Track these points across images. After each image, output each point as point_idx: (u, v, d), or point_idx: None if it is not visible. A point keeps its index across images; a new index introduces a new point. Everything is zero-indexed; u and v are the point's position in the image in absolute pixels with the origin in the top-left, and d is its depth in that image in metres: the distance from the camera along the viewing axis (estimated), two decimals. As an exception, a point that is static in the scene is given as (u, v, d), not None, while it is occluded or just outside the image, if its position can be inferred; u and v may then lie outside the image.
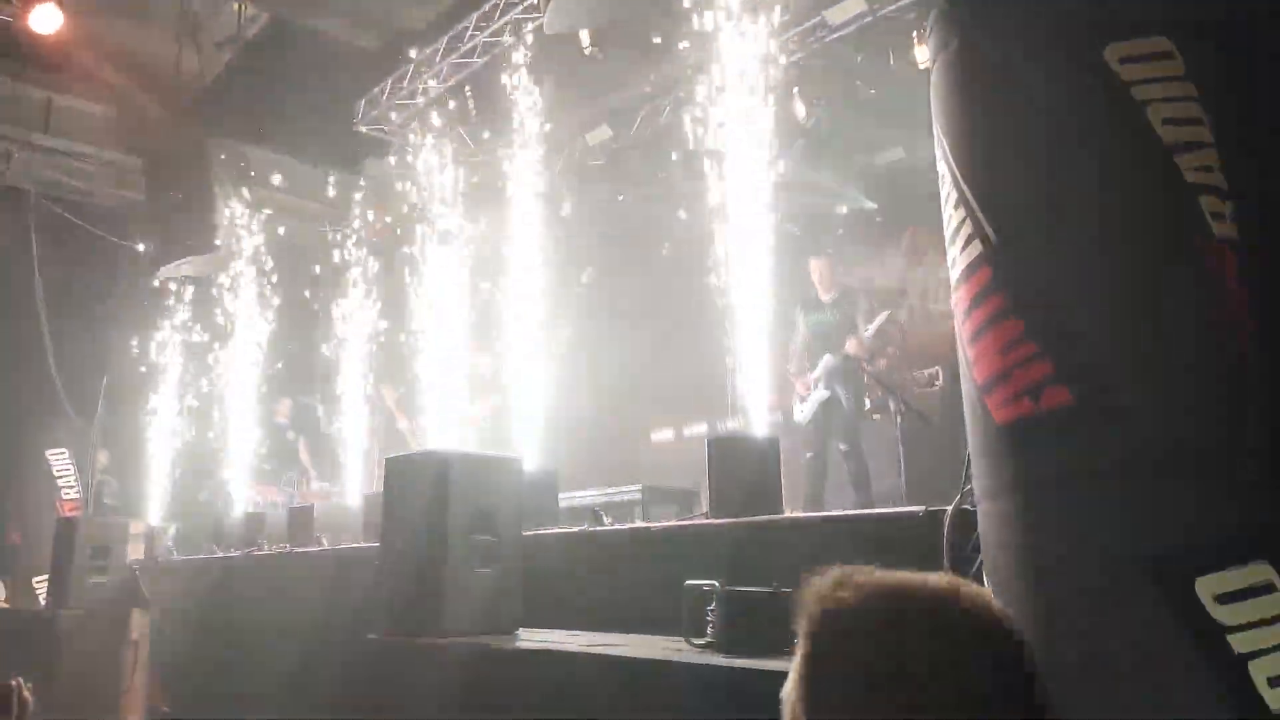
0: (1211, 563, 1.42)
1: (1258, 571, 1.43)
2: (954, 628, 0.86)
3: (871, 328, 6.58)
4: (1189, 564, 1.42)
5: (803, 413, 6.60)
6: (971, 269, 1.78)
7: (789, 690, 0.92)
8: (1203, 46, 1.67)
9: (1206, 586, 1.41)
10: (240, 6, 8.52)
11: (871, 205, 9.12)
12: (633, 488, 5.96)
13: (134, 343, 9.37)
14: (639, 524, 5.08)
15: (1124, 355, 1.58)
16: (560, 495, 5.26)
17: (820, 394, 6.50)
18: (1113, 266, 1.63)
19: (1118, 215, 1.64)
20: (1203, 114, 1.65)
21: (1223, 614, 1.40)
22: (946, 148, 1.89)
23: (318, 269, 9.15)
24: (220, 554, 6.77)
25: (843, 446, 6.40)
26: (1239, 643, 1.38)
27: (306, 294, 9.24)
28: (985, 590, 0.91)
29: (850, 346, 6.54)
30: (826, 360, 6.54)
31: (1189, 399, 1.55)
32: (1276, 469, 1.57)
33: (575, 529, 4.31)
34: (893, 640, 0.85)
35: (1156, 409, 1.54)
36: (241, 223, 8.91)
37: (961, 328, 1.83)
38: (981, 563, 1.77)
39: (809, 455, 6.41)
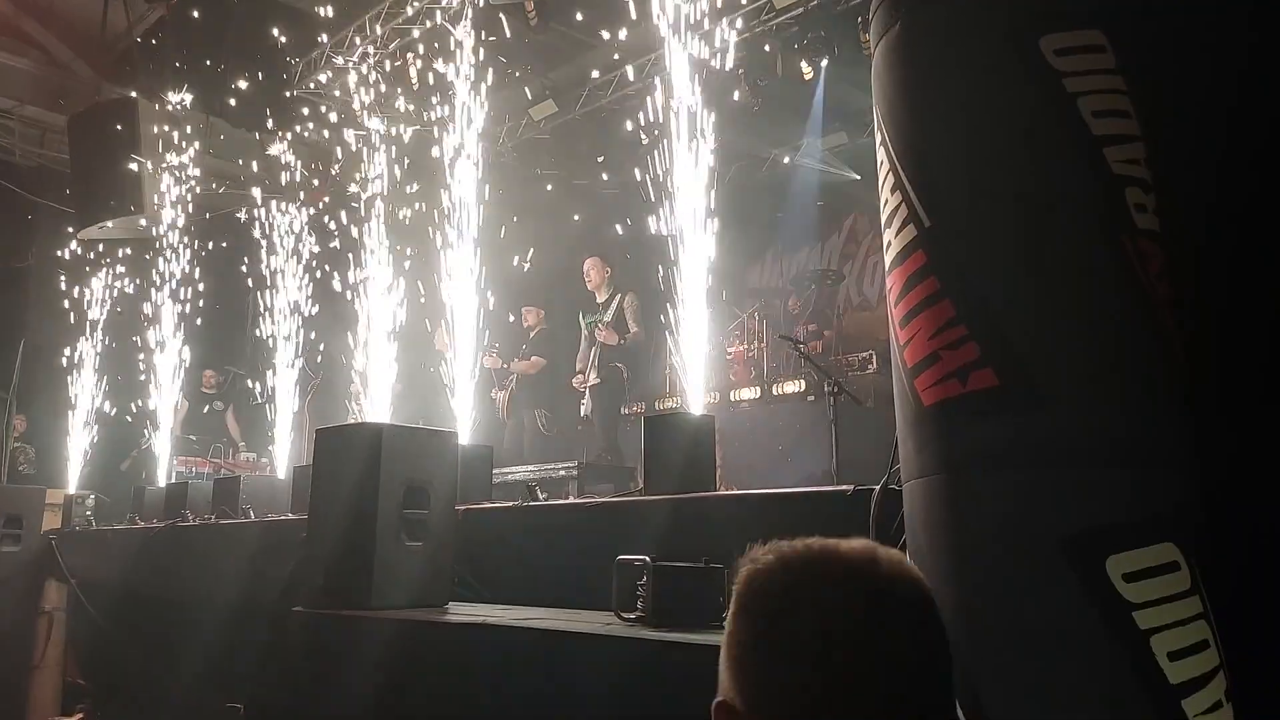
0: (1122, 542, 1.48)
1: (1164, 551, 1.49)
2: (869, 583, 0.88)
3: (610, 313, 7.11)
4: (1101, 544, 1.48)
5: (585, 406, 7.22)
6: (906, 252, 1.80)
7: (721, 656, 0.94)
8: (1134, 40, 1.71)
9: (1116, 565, 1.47)
10: (171, -41, 8.21)
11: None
12: (568, 464, 5.97)
13: (54, 305, 9.03)
14: (573, 499, 5.09)
15: (1047, 341, 1.62)
16: (495, 471, 5.23)
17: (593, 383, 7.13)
18: (1040, 253, 1.67)
19: (1047, 203, 1.68)
20: (1131, 107, 1.69)
21: (1130, 591, 1.45)
22: (885, 131, 1.92)
23: (246, 235, 8.91)
24: (142, 525, 6.59)
25: (596, 446, 6.99)
26: (1143, 619, 1.44)
27: (236, 261, 8.98)
28: (901, 556, 0.94)
29: (599, 335, 7.07)
30: (594, 354, 7.15)
31: (1108, 386, 1.60)
32: (1186, 455, 1.63)
33: (509, 504, 4.30)
34: (808, 599, 0.87)
35: (1076, 395, 1.59)
36: (168, 185, 8.62)
37: (894, 310, 1.86)
38: (906, 541, 1.81)
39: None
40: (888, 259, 1.93)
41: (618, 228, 7.62)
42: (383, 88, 7.92)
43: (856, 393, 5.75)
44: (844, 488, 2.63)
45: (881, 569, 0.89)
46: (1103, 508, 1.51)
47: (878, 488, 2.31)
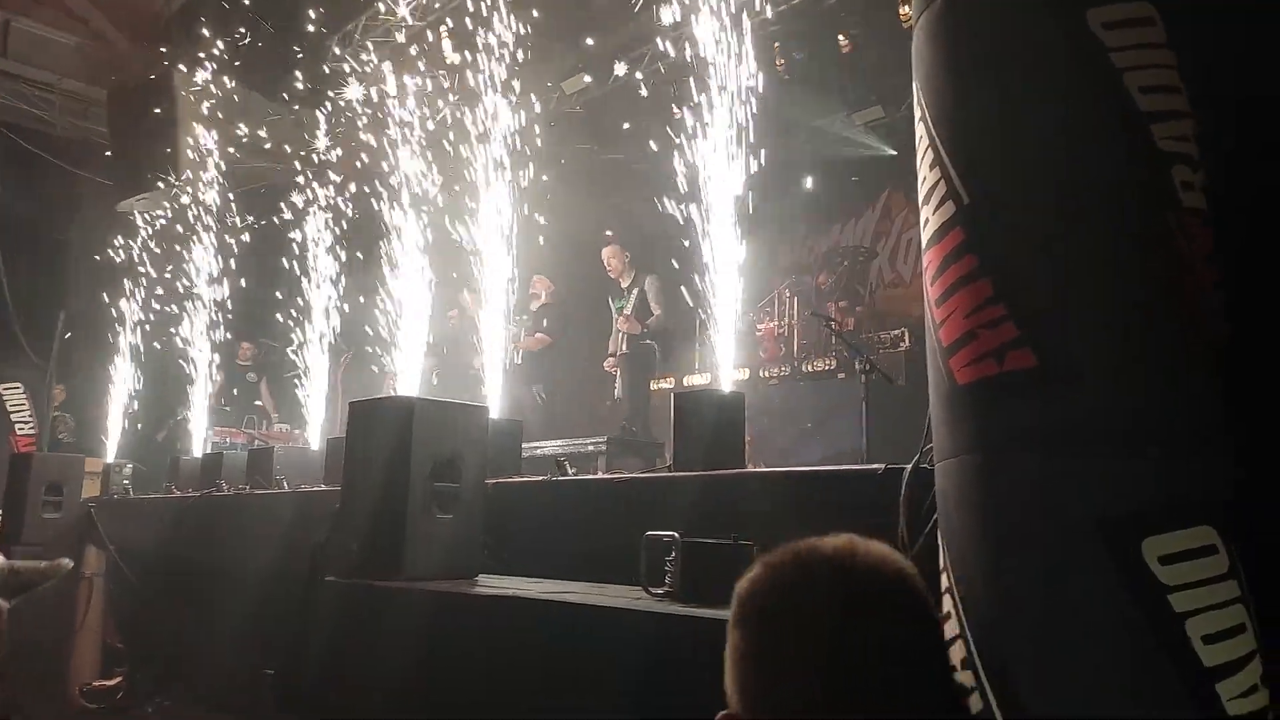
0: (1159, 525, 1.46)
1: (1201, 534, 1.47)
2: (848, 583, 0.89)
3: (630, 304, 7.22)
4: (1138, 526, 1.46)
5: (617, 388, 7.38)
6: (944, 229, 1.78)
7: (725, 669, 0.95)
8: (1185, 15, 1.66)
9: (1153, 548, 1.45)
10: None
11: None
12: (597, 439, 5.99)
13: (93, 276, 9.17)
14: (602, 475, 5.11)
15: (1087, 321, 1.60)
16: (525, 445, 5.26)
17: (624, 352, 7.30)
18: (1082, 232, 1.64)
19: (1089, 181, 1.65)
20: (1180, 82, 1.65)
21: (1166, 574, 1.44)
22: (925, 106, 1.89)
23: (282, 207, 8.99)
24: (178, 494, 6.71)
25: (623, 423, 7.04)
26: (1179, 601, 1.42)
27: (272, 234, 9.07)
28: (885, 548, 0.94)
29: (620, 326, 7.18)
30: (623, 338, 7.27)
31: (1148, 368, 1.57)
32: (1226, 437, 1.61)
33: (539, 478, 4.33)
34: (792, 604, 0.88)
35: (1116, 376, 1.57)
36: (205, 157, 8.70)
37: (930, 288, 1.83)
38: (937, 520, 1.80)
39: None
40: (924, 236, 1.91)
41: (654, 202, 7.61)
42: (419, 64, 7.93)
43: (888, 370, 5.70)
44: (874, 466, 2.62)
45: (859, 567, 0.90)
46: (1140, 490, 1.49)
47: (909, 467, 2.30)
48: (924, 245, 1.92)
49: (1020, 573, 1.52)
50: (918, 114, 1.99)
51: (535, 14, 6.81)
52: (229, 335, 8.75)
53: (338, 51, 8.85)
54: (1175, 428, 1.55)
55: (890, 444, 4.17)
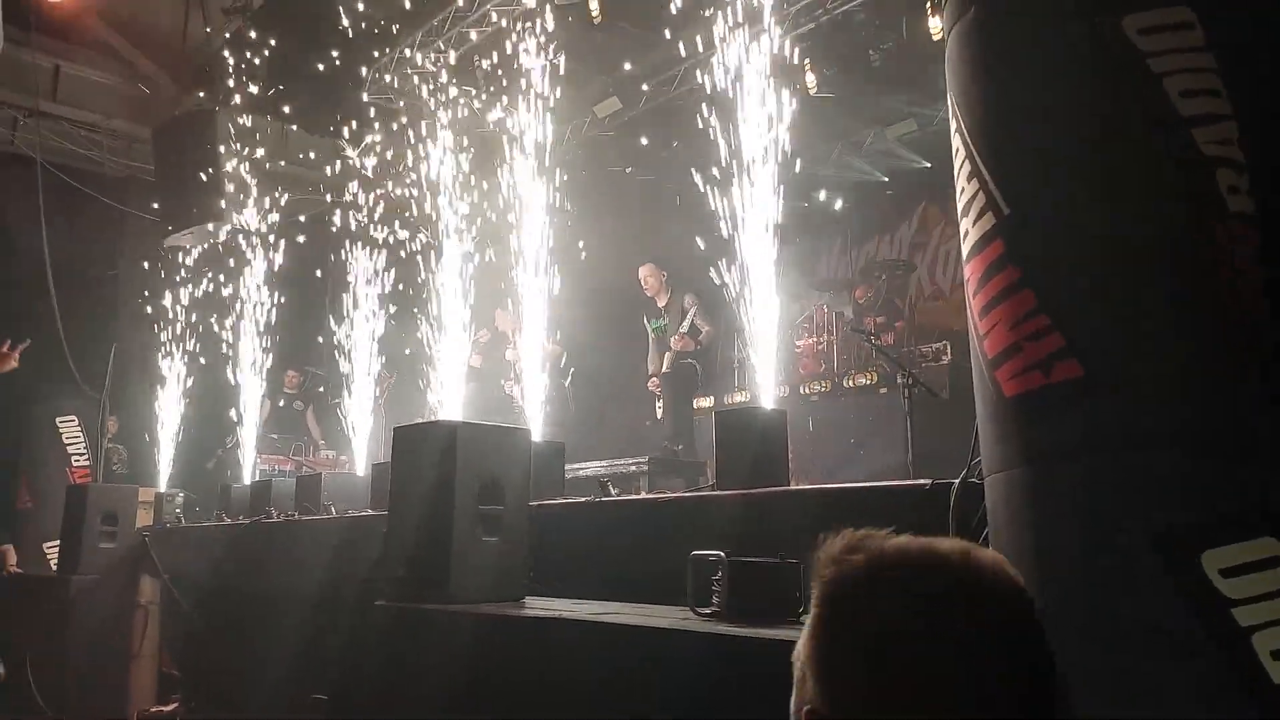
0: (1218, 537, 1.43)
1: (1264, 546, 1.43)
2: (970, 594, 0.85)
3: (686, 322, 7.11)
4: (1196, 538, 1.43)
5: (659, 409, 7.34)
6: (984, 241, 1.77)
7: (800, 652, 0.92)
8: (1225, 16, 1.64)
9: (1213, 560, 1.42)
10: (248, -28, 8.46)
11: (883, 178, 9.10)
12: (639, 459, 5.99)
13: (142, 311, 9.39)
14: (646, 495, 5.11)
15: (1135, 330, 1.58)
16: (567, 466, 5.28)
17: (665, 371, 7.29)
18: (1126, 241, 1.62)
19: (1131, 188, 1.63)
20: (1222, 86, 1.63)
21: (1228, 587, 1.40)
22: (961, 118, 1.88)
23: (323, 239, 9.16)
24: (229, 521, 6.82)
25: (665, 443, 6.96)
26: (1243, 615, 1.39)
27: (314, 264, 9.24)
28: (998, 555, 0.90)
29: (676, 345, 7.09)
30: (667, 358, 7.22)
31: (1199, 376, 1.55)
32: (1284, 445, 1.57)
33: (582, 499, 4.34)
34: (906, 607, 0.85)
35: (1165, 385, 1.54)
36: (247, 192, 8.90)
37: (973, 300, 1.82)
38: (988, 536, 1.78)
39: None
40: (965, 248, 1.90)
41: (688, 221, 7.61)
42: (451, 91, 8.05)
43: (931, 384, 5.64)
44: (922, 482, 2.59)
45: (983, 572, 0.86)
46: (1196, 501, 1.46)
47: (957, 481, 2.27)
48: (964, 257, 1.91)
49: (1075, 587, 1.49)
50: (953, 126, 1.99)
51: (567, 39, 6.90)
52: (274, 364, 8.90)
53: (380, 79, 9.02)
54: (1229, 436, 1.52)
55: (936, 458, 4.12)
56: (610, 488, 4.36)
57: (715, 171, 4.66)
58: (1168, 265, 1.59)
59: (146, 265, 9.67)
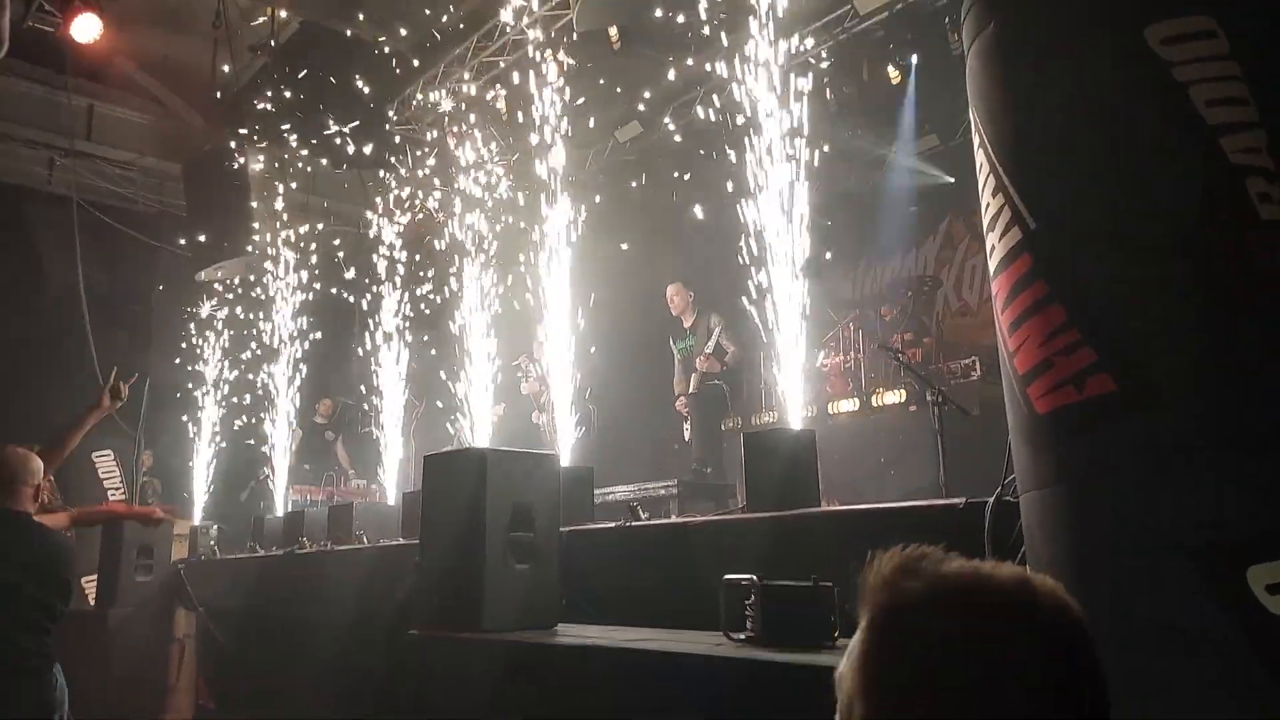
0: (1263, 553, 1.40)
1: (1311, 561, 1.40)
2: (1028, 626, 0.83)
3: (711, 342, 7.06)
4: (1240, 553, 1.40)
5: (687, 431, 7.27)
6: (1011, 256, 1.76)
7: (845, 676, 0.90)
8: (1249, 24, 1.63)
9: (1258, 576, 1.38)
10: (273, 12, 8.62)
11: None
12: (668, 482, 5.97)
13: (175, 345, 9.53)
14: (675, 519, 5.09)
15: (1166, 343, 1.55)
16: (596, 491, 5.27)
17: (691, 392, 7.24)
18: (1155, 253, 1.60)
19: (1160, 199, 1.62)
20: (1249, 94, 1.61)
21: (1276, 604, 1.37)
22: (984, 133, 1.87)
23: (353, 270, 9.27)
24: (262, 553, 6.87)
25: (694, 465, 6.90)
26: (1293, 633, 1.35)
27: (344, 294, 9.34)
28: (1056, 584, 0.88)
29: (702, 366, 7.02)
30: (694, 379, 7.17)
31: (1233, 388, 1.52)
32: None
33: (612, 524, 4.32)
34: (962, 638, 0.83)
35: (1201, 398, 1.52)
36: (276, 225, 9.03)
37: (1001, 316, 1.81)
38: (1025, 554, 1.75)
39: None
40: (991, 263, 1.88)
41: (712, 243, 7.62)
42: (472, 120, 8.14)
43: (961, 401, 5.58)
44: (955, 501, 2.56)
45: (1040, 599, 0.85)
46: (1239, 516, 1.43)
47: (991, 500, 2.24)
48: (991, 272, 1.89)
49: (1117, 607, 1.46)
50: (976, 140, 1.98)
51: (587, 66, 6.97)
52: (304, 394, 8.98)
53: (405, 111, 9.15)
54: (1270, 450, 1.49)
55: (968, 476, 4.07)
56: (640, 512, 4.34)
57: (739, 199, 4.66)
58: (1199, 276, 1.57)
59: (179, 299, 9.82)
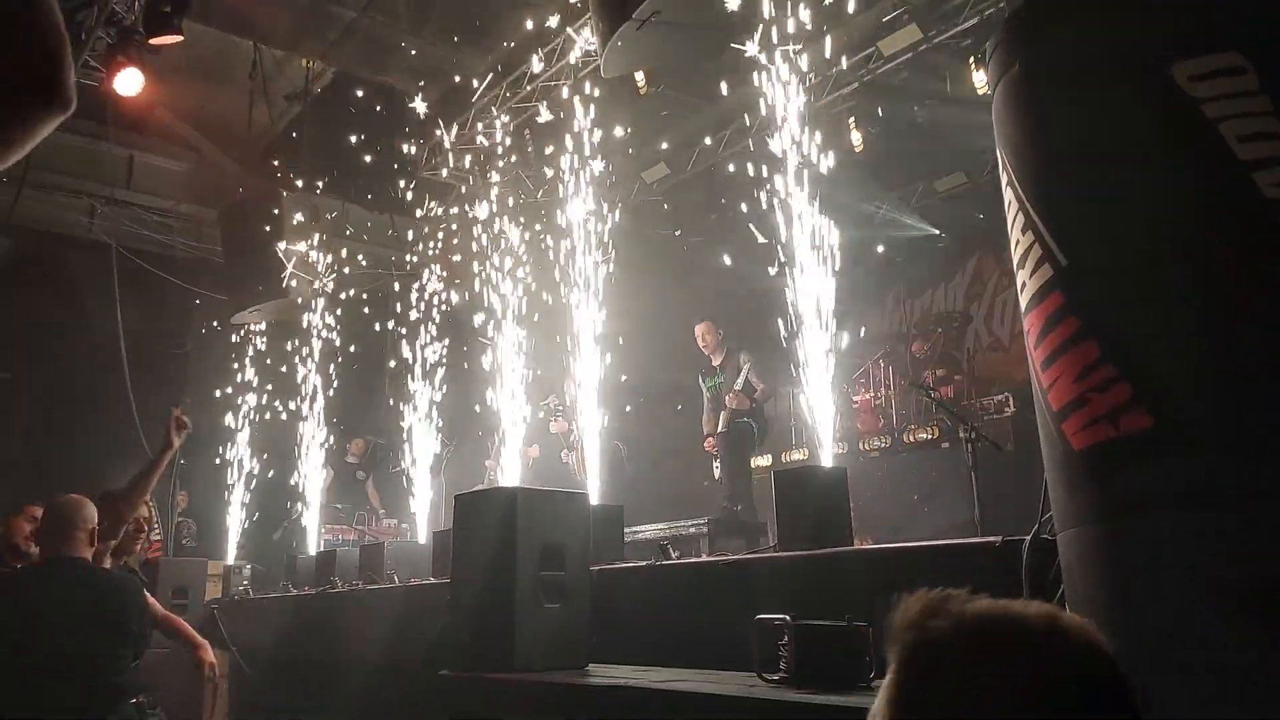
0: (1310, 590, 1.37)
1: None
2: (1056, 664, 0.83)
3: (740, 379, 7.04)
4: (1285, 591, 1.37)
5: (716, 469, 7.22)
6: (1042, 293, 1.75)
7: (878, 714, 0.90)
8: (1277, 59, 1.63)
9: (1306, 615, 1.36)
10: (308, 63, 8.85)
11: (933, 231, 9.08)
12: (699, 520, 5.94)
13: (210, 387, 9.67)
14: (707, 557, 5.05)
15: (1203, 379, 1.54)
16: (626, 529, 5.25)
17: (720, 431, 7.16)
18: (1189, 289, 1.60)
19: (1193, 235, 1.61)
20: None
21: (1324, 643, 1.34)
22: (1012, 171, 1.88)
23: (385, 312, 9.40)
24: (295, 592, 6.89)
25: (724, 503, 6.81)
26: (1344, 673, 1.33)
27: (376, 335, 9.45)
28: (1087, 623, 0.88)
29: (731, 403, 7.00)
30: (723, 416, 7.13)
31: (1272, 422, 1.50)
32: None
33: (643, 563, 4.30)
34: (991, 676, 0.82)
35: (1240, 434, 1.50)
36: (311, 270, 9.18)
37: (1034, 353, 1.80)
38: (1064, 592, 1.73)
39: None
40: (1023, 300, 1.88)
41: (740, 282, 7.64)
42: (500, 164, 8.27)
43: (995, 437, 5.52)
44: (991, 539, 2.53)
45: (1069, 638, 0.84)
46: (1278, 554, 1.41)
47: (1028, 538, 2.22)
48: (1023, 309, 1.89)
49: (1159, 646, 1.44)
50: (1004, 179, 1.98)
51: (614, 110, 7.06)
52: (336, 434, 9.07)
53: (436, 156, 9.32)
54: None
55: (1004, 513, 4.02)
56: (670, 550, 4.33)
57: (766, 234, 4.69)
58: (1234, 312, 1.56)
59: (215, 342, 9.99)
